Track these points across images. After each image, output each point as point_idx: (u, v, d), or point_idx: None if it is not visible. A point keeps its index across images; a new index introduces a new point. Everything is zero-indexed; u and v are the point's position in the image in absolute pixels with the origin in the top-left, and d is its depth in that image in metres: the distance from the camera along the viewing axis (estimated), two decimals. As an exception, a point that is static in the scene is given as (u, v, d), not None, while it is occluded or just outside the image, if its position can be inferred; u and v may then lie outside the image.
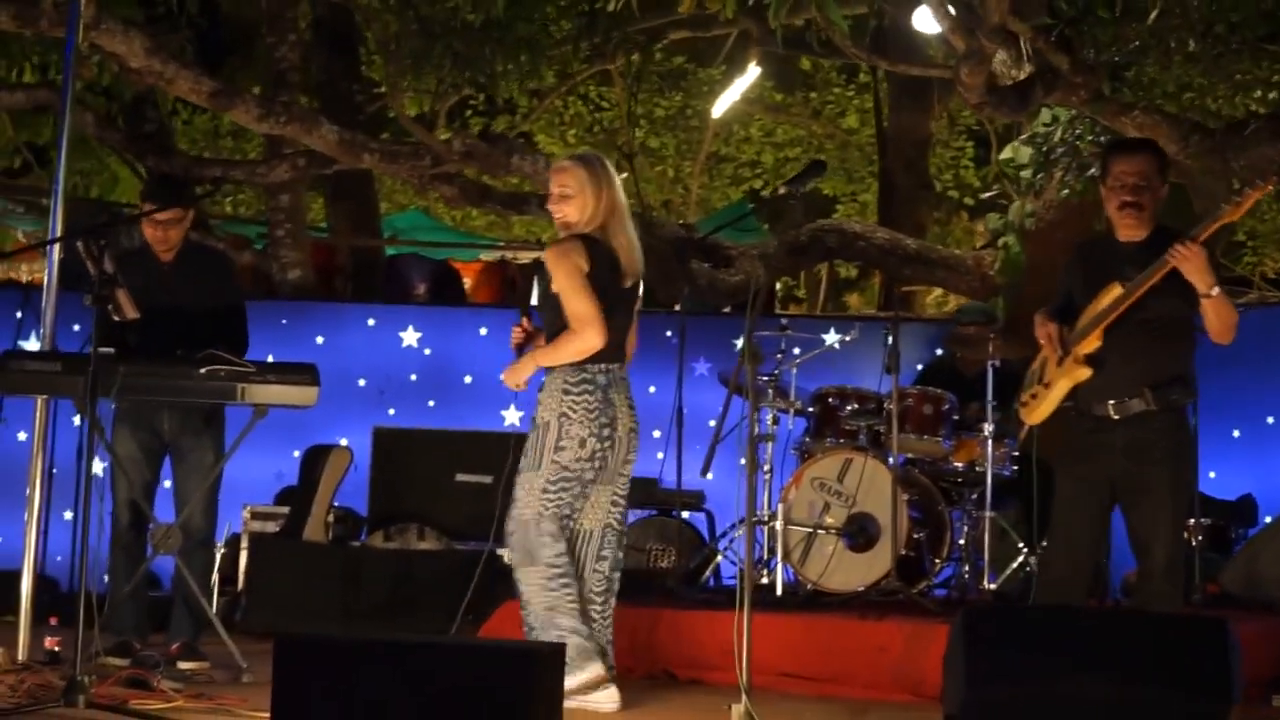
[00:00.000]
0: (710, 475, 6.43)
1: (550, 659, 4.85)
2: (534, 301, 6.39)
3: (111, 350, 6.43)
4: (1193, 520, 8.69)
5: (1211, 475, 9.56)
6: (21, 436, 8.48)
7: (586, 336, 6.01)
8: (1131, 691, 4.33)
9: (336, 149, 9.61)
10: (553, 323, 6.16)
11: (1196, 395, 5.94)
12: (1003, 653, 4.46)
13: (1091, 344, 5.84)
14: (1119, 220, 5.85)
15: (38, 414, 7.11)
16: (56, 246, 6.95)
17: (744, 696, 5.39)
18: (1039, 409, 6.09)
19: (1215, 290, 5.61)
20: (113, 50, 8.75)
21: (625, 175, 19.75)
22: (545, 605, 6.09)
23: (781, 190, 6.04)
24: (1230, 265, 12.53)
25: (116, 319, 6.40)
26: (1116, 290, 5.76)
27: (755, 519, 8.46)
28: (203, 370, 6.57)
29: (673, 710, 6.27)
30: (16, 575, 6.87)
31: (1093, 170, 8.59)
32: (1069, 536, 5.98)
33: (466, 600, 6.99)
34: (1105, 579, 8.62)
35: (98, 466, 6.79)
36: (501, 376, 6.22)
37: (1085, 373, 5.85)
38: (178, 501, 7.09)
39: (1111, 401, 5.83)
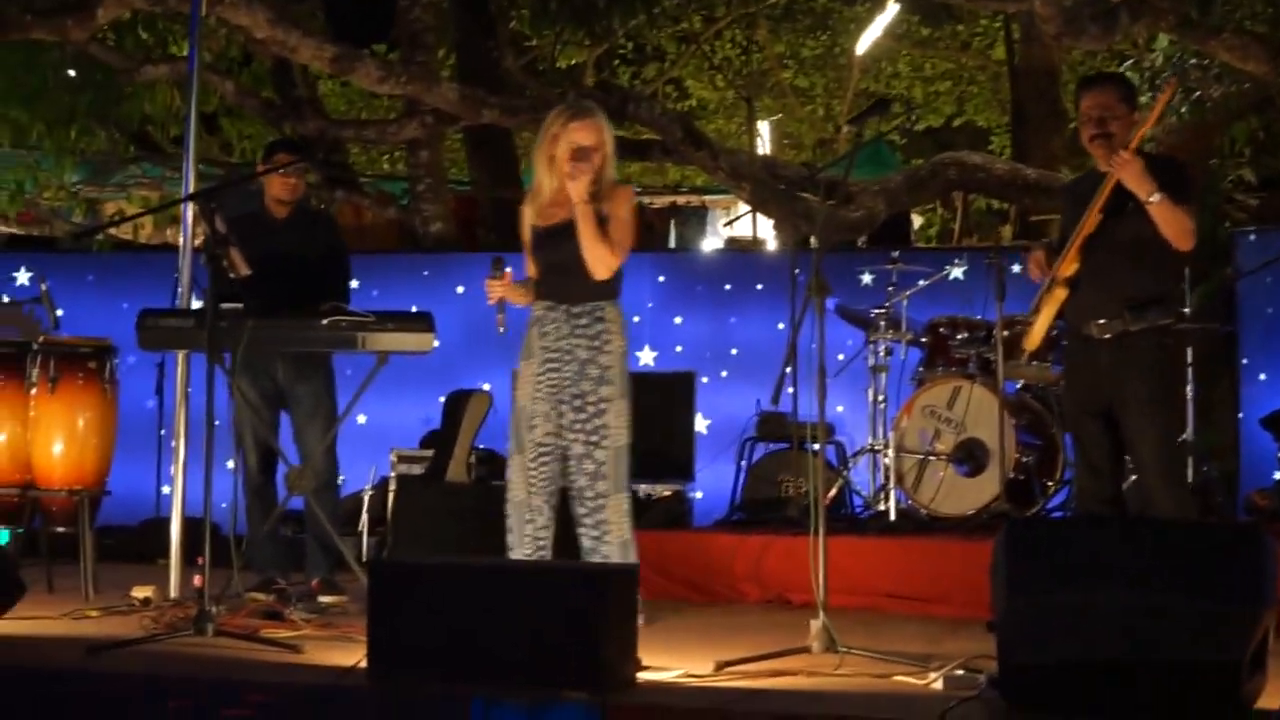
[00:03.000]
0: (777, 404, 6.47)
1: (626, 577, 5.16)
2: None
3: (239, 305, 6.88)
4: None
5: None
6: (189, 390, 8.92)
7: (617, 265, 6.31)
8: (1166, 598, 4.48)
9: (457, 105, 9.95)
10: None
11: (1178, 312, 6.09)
12: (1042, 563, 4.63)
13: (1069, 266, 6.03)
14: (1092, 153, 6.04)
15: (179, 368, 7.62)
16: (190, 209, 7.43)
17: (820, 613, 5.65)
18: (1032, 334, 6.39)
19: (1155, 197, 5.74)
20: (238, 23, 9.18)
21: (778, 117, 20.03)
22: (627, 535, 6.34)
23: (845, 129, 6.23)
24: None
25: (231, 276, 6.82)
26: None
27: (868, 448, 8.75)
28: (325, 321, 6.96)
29: (760, 629, 6.56)
30: (188, 522, 7.36)
31: (1198, 93, 8.64)
32: (1083, 450, 6.21)
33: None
34: (1216, 496, 8.69)
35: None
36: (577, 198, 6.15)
37: (1063, 294, 6.06)
38: (299, 445, 7.50)
39: (1095, 321, 6.02)
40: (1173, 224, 5.83)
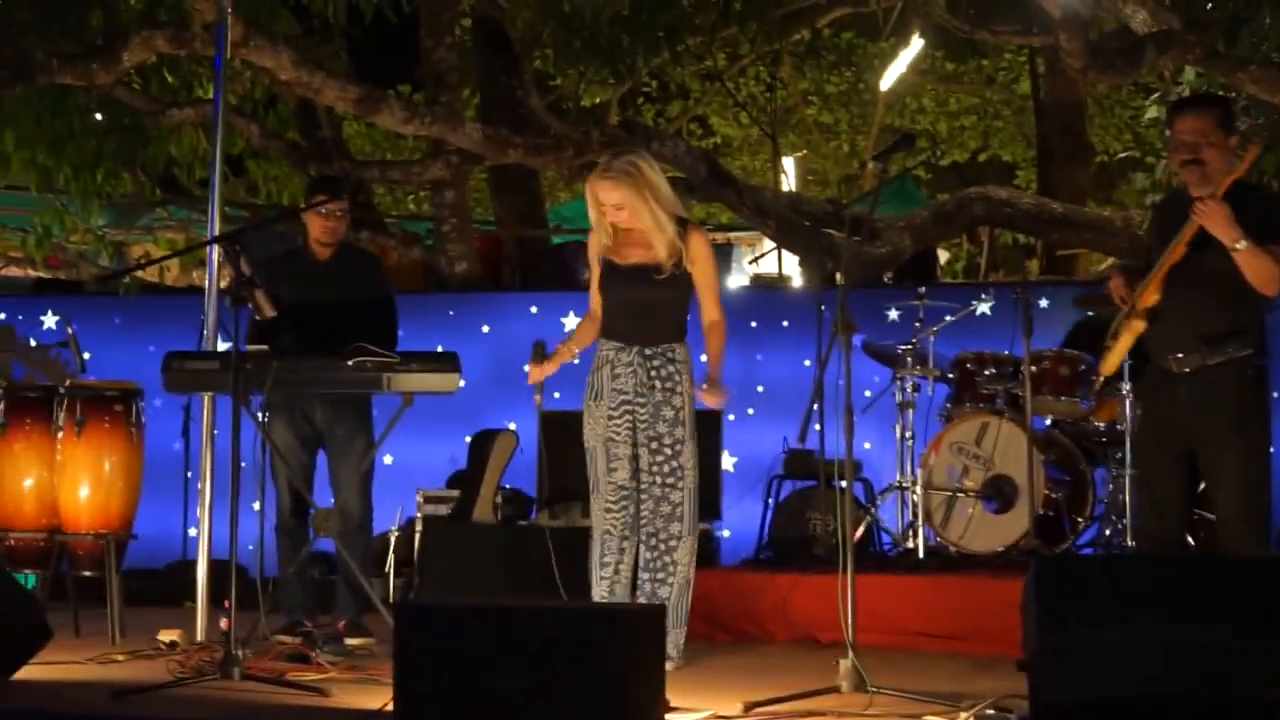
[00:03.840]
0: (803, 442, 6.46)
1: (650, 620, 5.13)
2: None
3: (264, 347, 6.89)
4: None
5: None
6: (215, 433, 8.94)
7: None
8: (1198, 635, 4.44)
9: (482, 145, 9.98)
10: (680, 300, 6.49)
11: (1256, 345, 5.93)
12: (1073, 601, 4.60)
13: (1149, 298, 5.92)
14: (1184, 178, 5.88)
15: (205, 410, 7.62)
16: (216, 251, 7.45)
17: (850, 651, 5.61)
18: (1109, 361, 6.24)
19: (1241, 244, 5.62)
20: (262, 65, 9.22)
21: (802, 154, 20.03)
22: (690, 574, 6.42)
23: (870, 165, 6.22)
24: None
25: (257, 318, 6.83)
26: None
27: (896, 485, 8.69)
28: (350, 363, 6.93)
29: (789, 669, 6.52)
30: (215, 564, 7.34)
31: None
32: (1151, 487, 6.07)
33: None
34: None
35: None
36: (715, 402, 6.52)
37: (1141, 325, 5.96)
38: (334, 487, 7.47)
39: (1174, 355, 5.89)
40: (1258, 271, 5.70)
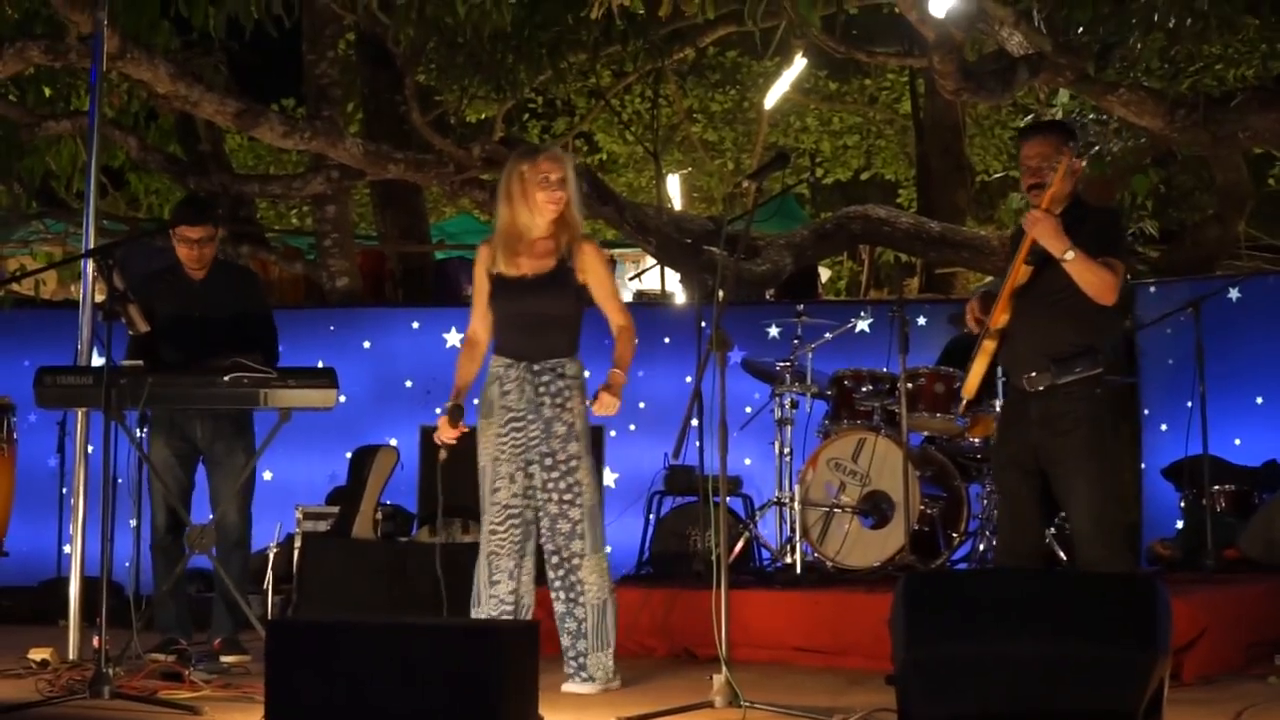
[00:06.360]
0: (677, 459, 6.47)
1: (523, 637, 5.14)
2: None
3: (140, 363, 6.82)
4: (1216, 486, 8.85)
5: (1236, 442, 9.68)
6: (90, 449, 8.85)
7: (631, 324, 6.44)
8: (1063, 647, 4.52)
9: (362, 160, 9.96)
10: (569, 313, 6.38)
11: (1106, 363, 6.04)
12: (940, 615, 4.65)
13: (999, 318, 6.04)
14: (1032, 201, 5.99)
15: (79, 426, 7.53)
16: (90, 265, 7.36)
17: (724, 667, 5.64)
18: (968, 383, 6.35)
19: (1069, 255, 5.76)
20: (139, 78, 9.14)
21: (688, 171, 20.11)
22: (605, 594, 6.37)
23: (745, 184, 6.24)
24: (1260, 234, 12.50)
25: (131, 333, 6.77)
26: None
27: (774, 501, 8.75)
28: (227, 378, 6.89)
29: (664, 684, 6.53)
30: (88, 581, 7.23)
31: (1097, 147, 8.73)
32: (1007, 504, 6.20)
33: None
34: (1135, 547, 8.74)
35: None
36: (606, 411, 6.34)
37: (992, 345, 6.07)
38: (213, 505, 7.41)
39: (1026, 374, 6.02)
40: (1090, 281, 5.83)
